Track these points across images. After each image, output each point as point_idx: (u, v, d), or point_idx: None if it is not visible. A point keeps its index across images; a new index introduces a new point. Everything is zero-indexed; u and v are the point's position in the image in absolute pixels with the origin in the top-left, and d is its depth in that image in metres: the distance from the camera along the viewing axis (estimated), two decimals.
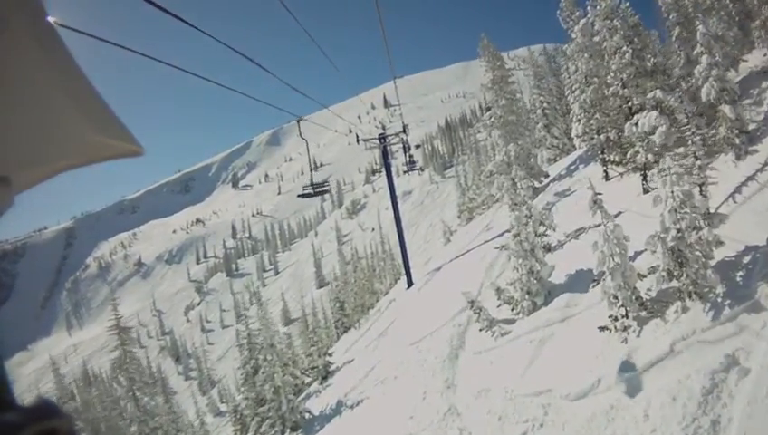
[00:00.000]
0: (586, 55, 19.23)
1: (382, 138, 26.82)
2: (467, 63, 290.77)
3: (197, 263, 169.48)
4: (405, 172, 38.22)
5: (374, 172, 79.10)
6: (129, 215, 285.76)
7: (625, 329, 10.51)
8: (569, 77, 29.72)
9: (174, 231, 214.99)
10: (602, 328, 10.75)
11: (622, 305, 10.49)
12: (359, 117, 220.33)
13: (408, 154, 27.70)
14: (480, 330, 14.23)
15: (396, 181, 29.56)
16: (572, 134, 29.29)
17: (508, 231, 15.19)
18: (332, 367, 26.05)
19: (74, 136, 0.64)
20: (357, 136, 26.08)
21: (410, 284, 27.37)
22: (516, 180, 15.26)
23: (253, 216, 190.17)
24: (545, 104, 34.88)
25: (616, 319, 10.56)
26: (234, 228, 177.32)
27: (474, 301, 14.20)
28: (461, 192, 44.51)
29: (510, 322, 14.29)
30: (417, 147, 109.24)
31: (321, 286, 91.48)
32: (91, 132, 0.65)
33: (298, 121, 10.37)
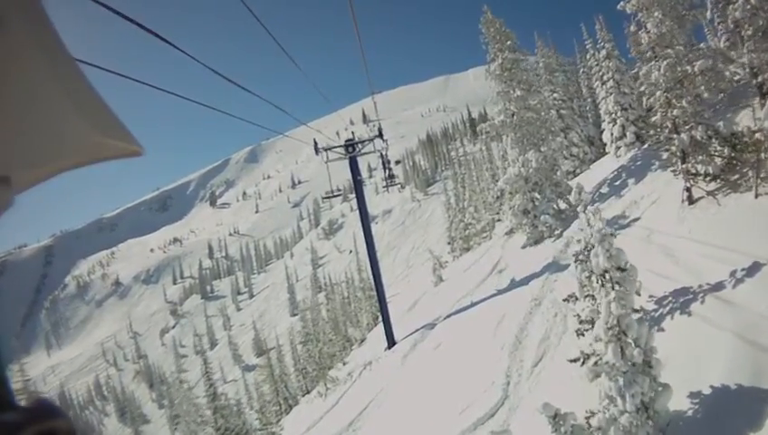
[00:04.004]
0: (657, 14, 12.45)
1: (350, 145, 19.83)
2: (447, 77, 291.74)
3: (174, 283, 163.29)
4: (384, 188, 31.46)
5: (351, 190, 70.54)
6: (108, 233, 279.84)
7: None
8: (597, 63, 23.01)
9: (151, 250, 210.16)
10: None
11: None
12: (337, 133, 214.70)
13: (386, 167, 21.01)
14: None
15: (375, 200, 22.54)
16: (604, 138, 22.62)
17: (536, 277, 8.19)
18: None
19: (74, 136, 0.64)
20: (315, 143, 18.54)
21: (391, 343, 20.19)
22: (583, 208, 7.82)
23: (230, 235, 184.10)
24: (560, 102, 27.93)
25: None
26: (210, 248, 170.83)
27: None
28: (451, 214, 36.98)
29: None
30: (398, 162, 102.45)
31: (294, 314, 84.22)
32: (91, 132, 0.65)
33: None
